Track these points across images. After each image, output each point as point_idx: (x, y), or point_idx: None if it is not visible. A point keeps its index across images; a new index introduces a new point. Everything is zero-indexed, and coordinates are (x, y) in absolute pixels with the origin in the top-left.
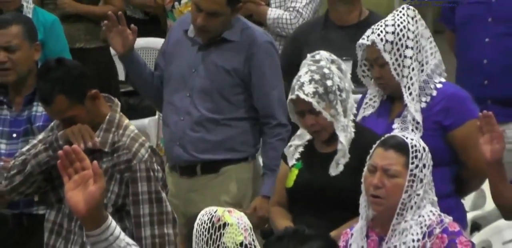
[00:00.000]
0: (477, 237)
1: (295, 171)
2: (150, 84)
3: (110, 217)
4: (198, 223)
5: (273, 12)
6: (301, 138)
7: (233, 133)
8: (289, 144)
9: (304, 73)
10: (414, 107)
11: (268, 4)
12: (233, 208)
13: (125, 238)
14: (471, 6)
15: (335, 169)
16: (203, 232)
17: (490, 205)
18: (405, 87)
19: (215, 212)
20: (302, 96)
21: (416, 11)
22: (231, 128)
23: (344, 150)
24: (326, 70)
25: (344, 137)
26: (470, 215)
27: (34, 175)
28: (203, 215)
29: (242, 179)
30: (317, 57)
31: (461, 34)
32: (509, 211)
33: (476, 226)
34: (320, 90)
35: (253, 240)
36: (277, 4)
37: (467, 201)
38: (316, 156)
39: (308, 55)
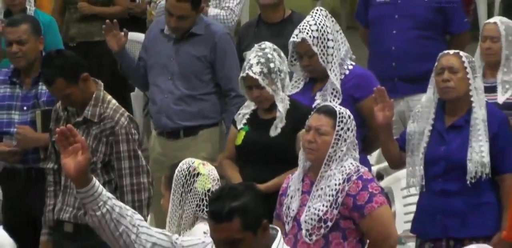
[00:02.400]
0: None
1: (243, 133)
2: (137, 72)
3: (94, 179)
4: (178, 170)
5: (212, 11)
6: (247, 108)
7: (206, 105)
8: (238, 112)
9: (253, 57)
10: (338, 82)
11: (207, 5)
12: (208, 162)
13: (106, 194)
14: (381, 7)
15: (274, 131)
16: (180, 177)
17: None
18: (330, 70)
19: (192, 163)
20: (251, 74)
21: (327, 11)
22: (204, 101)
23: (281, 117)
24: (269, 56)
25: (282, 107)
26: (375, 168)
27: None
28: (183, 164)
29: (214, 139)
30: (263, 46)
31: (374, 29)
32: (393, 161)
33: (380, 176)
34: (265, 70)
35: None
36: (214, 5)
37: (373, 156)
38: (259, 121)
39: (256, 45)
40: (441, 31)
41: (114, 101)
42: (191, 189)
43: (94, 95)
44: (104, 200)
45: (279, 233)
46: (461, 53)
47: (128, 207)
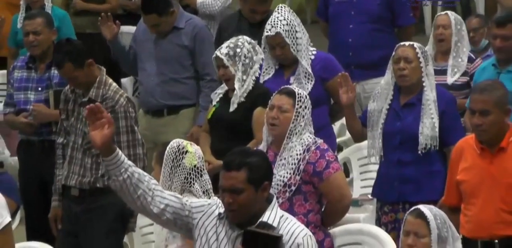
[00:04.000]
0: (340, 155)
1: (213, 109)
2: (127, 58)
3: (118, 149)
4: (169, 147)
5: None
6: (222, 88)
7: (187, 87)
8: (214, 92)
9: (226, 42)
10: (308, 67)
11: None
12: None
13: (128, 162)
14: (339, 4)
15: (232, 107)
16: (171, 153)
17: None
18: (301, 57)
19: (181, 142)
20: (218, 54)
21: (289, 7)
22: (185, 84)
23: (237, 95)
24: (239, 43)
25: (238, 86)
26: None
27: None
28: (174, 143)
29: (192, 117)
30: (239, 37)
31: (333, 23)
32: (356, 136)
33: (340, 148)
34: (231, 52)
35: (202, 165)
36: None
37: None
38: (227, 99)
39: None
40: (390, 25)
41: (114, 84)
42: (179, 164)
43: (97, 79)
44: (126, 167)
45: (275, 198)
46: (415, 44)
47: (145, 173)
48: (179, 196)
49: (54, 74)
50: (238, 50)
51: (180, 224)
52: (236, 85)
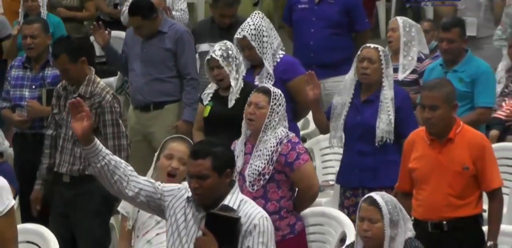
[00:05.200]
0: None
1: (209, 107)
2: (119, 61)
3: (96, 139)
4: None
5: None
6: (210, 88)
7: (171, 85)
8: (203, 92)
9: (217, 45)
10: (271, 68)
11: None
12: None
13: (105, 151)
14: (302, 11)
15: (230, 103)
16: None
17: (312, 126)
18: (265, 59)
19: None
20: (213, 55)
21: (263, 14)
22: (170, 83)
23: (234, 92)
24: (229, 46)
25: (234, 84)
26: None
27: None
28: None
29: (176, 112)
30: (224, 41)
31: (297, 28)
32: (322, 128)
33: (303, 139)
34: (224, 54)
35: None
36: (170, 6)
37: (298, 125)
38: (220, 98)
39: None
40: (348, 29)
41: (102, 82)
42: None
43: (87, 77)
44: (103, 156)
45: (236, 184)
46: (380, 48)
47: (122, 161)
48: (152, 181)
49: (47, 74)
50: (230, 52)
51: (153, 206)
52: (232, 83)
